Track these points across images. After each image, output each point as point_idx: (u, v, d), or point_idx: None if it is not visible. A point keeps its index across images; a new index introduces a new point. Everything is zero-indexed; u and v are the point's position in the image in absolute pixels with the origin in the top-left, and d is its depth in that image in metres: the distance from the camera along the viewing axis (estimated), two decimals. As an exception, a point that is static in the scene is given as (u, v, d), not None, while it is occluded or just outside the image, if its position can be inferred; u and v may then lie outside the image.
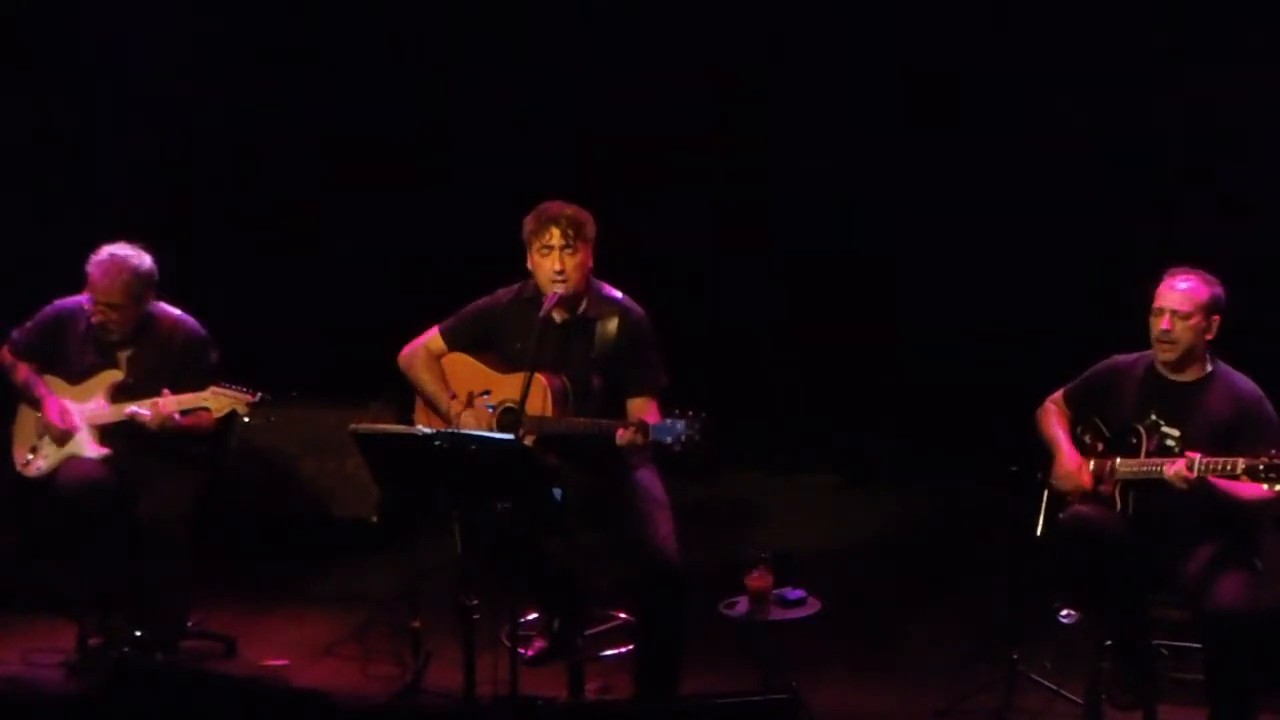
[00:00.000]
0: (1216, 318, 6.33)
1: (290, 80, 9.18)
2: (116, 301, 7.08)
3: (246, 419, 7.12)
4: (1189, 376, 6.38)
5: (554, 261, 6.61)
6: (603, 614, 7.04)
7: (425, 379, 6.82)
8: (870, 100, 8.72)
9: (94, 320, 7.14)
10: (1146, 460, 6.31)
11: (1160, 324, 6.34)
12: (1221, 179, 8.25)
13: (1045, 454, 6.53)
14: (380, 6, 9.21)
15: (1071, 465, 6.45)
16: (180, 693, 5.91)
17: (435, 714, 6.77)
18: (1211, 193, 8.25)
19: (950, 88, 8.63)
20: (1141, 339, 6.46)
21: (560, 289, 6.61)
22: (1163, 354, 6.38)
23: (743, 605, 6.59)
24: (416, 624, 7.06)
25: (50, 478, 7.13)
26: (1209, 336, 6.34)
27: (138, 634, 7.07)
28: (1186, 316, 6.31)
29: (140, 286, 7.11)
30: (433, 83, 9.14)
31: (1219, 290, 6.35)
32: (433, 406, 6.80)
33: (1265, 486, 6.04)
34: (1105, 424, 6.47)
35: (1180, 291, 6.33)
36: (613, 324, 6.70)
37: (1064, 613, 6.61)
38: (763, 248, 8.91)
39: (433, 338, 6.85)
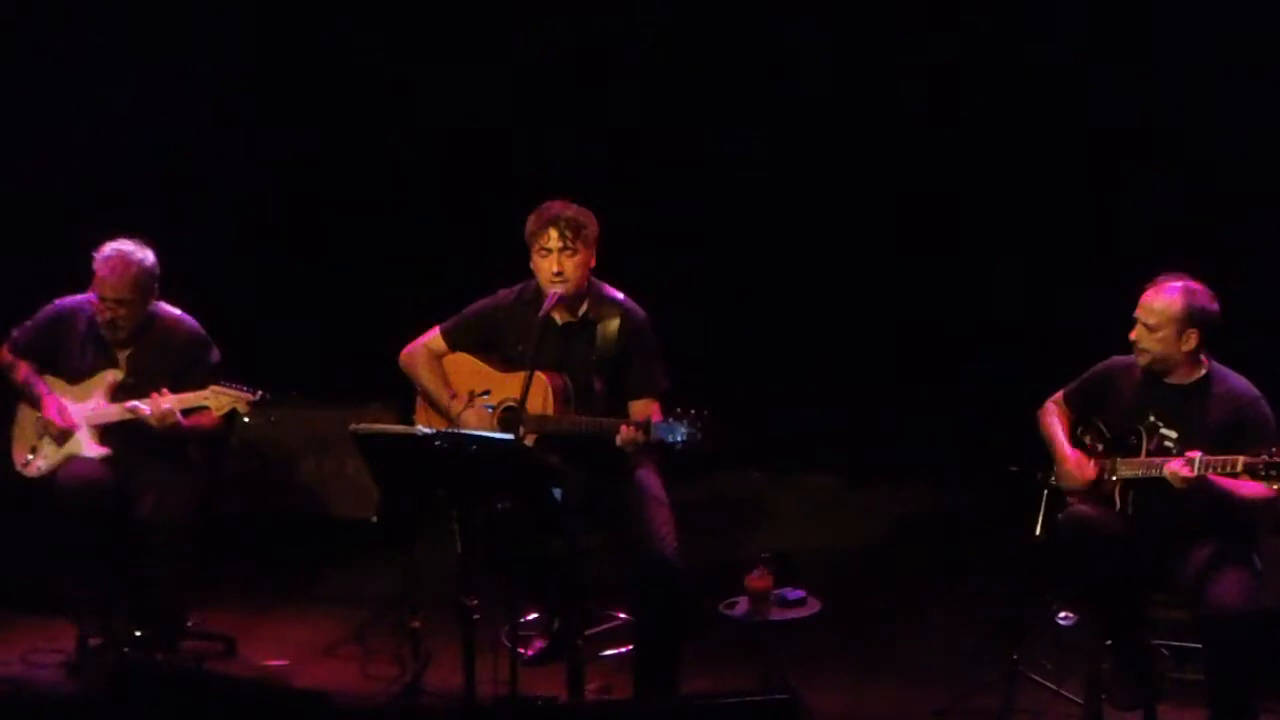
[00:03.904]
0: (1194, 331, 6.26)
1: (290, 78, 9.18)
2: (125, 297, 7.07)
3: (246, 418, 7.12)
4: (1185, 379, 6.36)
5: (552, 263, 6.61)
6: (603, 614, 7.05)
7: (425, 376, 6.82)
8: (870, 96, 8.72)
9: (101, 318, 7.12)
10: (1147, 460, 6.31)
11: (1131, 332, 6.36)
12: (1221, 179, 8.24)
13: (1046, 453, 6.54)
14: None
15: (1073, 459, 6.45)
16: (180, 693, 5.91)
17: (435, 714, 6.76)
18: (1213, 193, 8.24)
19: (951, 80, 8.63)
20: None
21: (559, 289, 6.61)
22: (1137, 359, 6.39)
23: (743, 605, 6.60)
24: (416, 624, 7.06)
25: (50, 478, 7.12)
26: (1186, 348, 6.28)
27: (138, 634, 7.06)
28: (1153, 329, 6.29)
29: (147, 281, 7.12)
30: (431, 81, 9.15)
31: (1200, 304, 6.27)
32: (432, 404, 6.80)
33: (1265, 485, 6.04)
34: (1105, 425, 6.47)
35: (1153, 304, 6.31)
36: (613, 325, 6.69)
37: (1062, 615, 6.61)
38: (763, 247, 8.91)
39: (434, 338, 6.85)
